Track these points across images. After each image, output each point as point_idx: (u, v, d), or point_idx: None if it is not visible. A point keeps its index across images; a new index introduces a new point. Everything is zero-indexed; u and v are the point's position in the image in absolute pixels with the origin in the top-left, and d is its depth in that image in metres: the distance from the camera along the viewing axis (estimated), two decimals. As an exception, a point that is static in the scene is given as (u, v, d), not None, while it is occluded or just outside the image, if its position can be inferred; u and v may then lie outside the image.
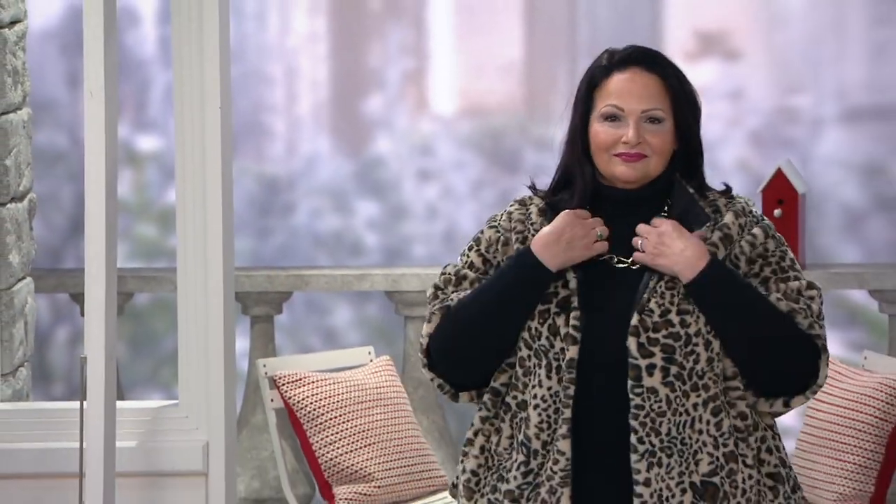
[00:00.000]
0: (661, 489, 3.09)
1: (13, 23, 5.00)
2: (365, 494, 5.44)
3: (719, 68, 6.48)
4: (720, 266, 3.13)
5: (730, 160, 6.53)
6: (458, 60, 6.65)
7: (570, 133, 3.24)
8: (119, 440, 4.42)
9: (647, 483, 3.08)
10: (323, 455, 5.43)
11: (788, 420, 6.36)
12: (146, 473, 4.56)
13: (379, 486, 5.41)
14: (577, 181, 3.22)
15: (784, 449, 3.17)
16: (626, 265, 3.18)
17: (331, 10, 6.67)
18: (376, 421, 5.46)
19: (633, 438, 3.09)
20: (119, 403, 4.50)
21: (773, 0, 6.51)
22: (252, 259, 6.71)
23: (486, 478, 3.20)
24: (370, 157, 6.74)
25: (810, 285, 3.20)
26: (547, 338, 3.14)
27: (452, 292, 3.26)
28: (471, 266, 3.26)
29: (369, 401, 5.48)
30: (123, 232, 6.72)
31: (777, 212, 5.89)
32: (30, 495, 4.58)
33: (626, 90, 3.18)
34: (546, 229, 3.15)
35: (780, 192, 5.90)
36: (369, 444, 5.43)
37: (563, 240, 3.14)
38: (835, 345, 6.16)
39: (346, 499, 5.42)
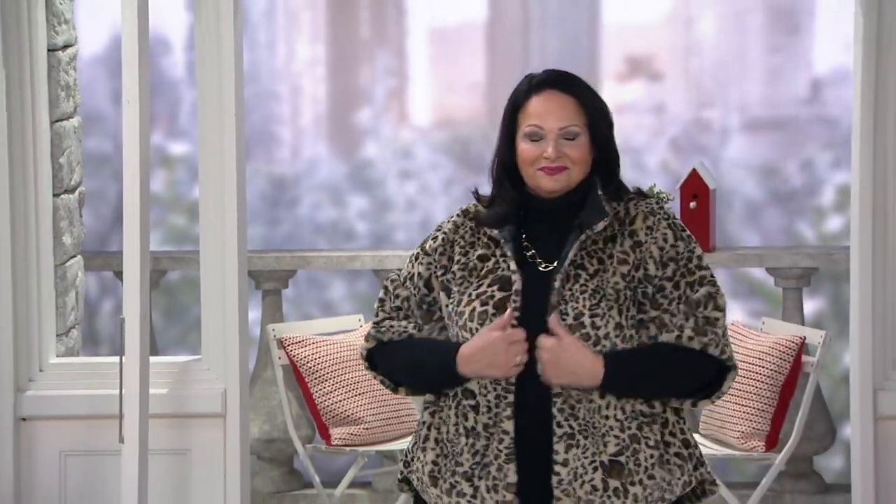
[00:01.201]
0: (576, 468, 2.97)
1: (66, 46, 4.99)
2: (355, 434, 5.44)
3: (645, 87, 6.49)
4: (616, 360, 2.97)
5: (654, 162, 6.54)
6: (432, 81, 6.65)
7: (497, 151, 3.11)
8: (152, 388, 4.41)
9: (564, 463, 2.97)
10: (321, 403, 5.43)
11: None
12: (174, 415, 4.55)
13: (367, 428, 5.41)
14: (504, 194, 3.08)
15: (689, 431, 3.07)
16: (549, 268, 3.03)
17: (328, 40, 6.67)
18: (364, 375, 5.44)
19: (553, 423, 2.98)
20: (152, 358, 4.49)
21: (688, 31, 6.52)
22: (263, 243, 6.71)
23: (444, 465, 3.05)
24: (361, 160, 6.74)
25: (710, 296, 3.03)
26: None
27: (395, 292, 3.15)
28: (412, 278, 3.14)
29: (359, 359, 5.46)
30: (158, 221, 6.71)
31: (692, 204, 5.87)
32: (79, 433, 4.57)
33: (543, 111, 3.05)
34: (474, 344, 2.97)
35: (694, 188, 5.90)
36: (359, 394, 5.43)
37: (483, 361, 2.95)
38: (739, 313, 6.20)
39: (340, 438, 5.42)
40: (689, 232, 3.10)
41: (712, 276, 3.08)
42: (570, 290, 3.00)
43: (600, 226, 3.02)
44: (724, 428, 5.36)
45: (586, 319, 2.97)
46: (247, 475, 4.61)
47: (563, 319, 2.98)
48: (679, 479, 3.05)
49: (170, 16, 6.69)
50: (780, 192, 6.62)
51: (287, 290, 6.09)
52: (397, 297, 3.16)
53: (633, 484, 2.98)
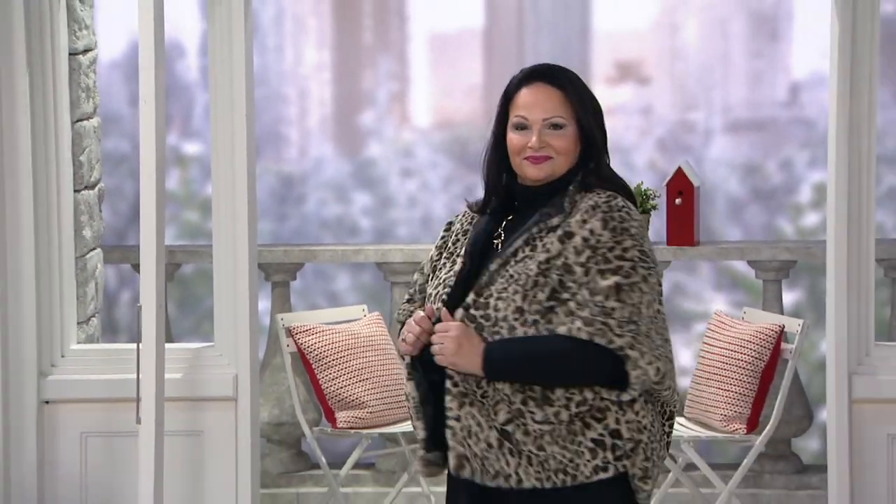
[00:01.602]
0: (469, 425, 2.97)
1: (86, 51, 4.99)
2: (360, 418, 5.43)
3: (633, 91, 6.49)
4: (498, 350, 2.95)
5: (642, 161, 6.54)
6: (432, 84, 6.64)
7: (490, 141, 3.09)
8: (167, 373, 4.40)
9: (457, 419, 2.97)
10: (327, 388, 5.43)
11: (684, 360, 6.39)
12: (188, 398, 4.55)
13: (371, 412, 5.40)
14: (492, 183, 3.07)
15: (634, 425, 2.96)
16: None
17: (334, 45, 6.67)
18: (369, 362, 5.45)
19: (448, 384, 2.98)
20: (167, 345, 4.48)
21: (674, 38, 6.51)
22: (272, 238, 6.71)
23: None
24: (364, 159, 6.73)
25: (616, 287, 2.92)
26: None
27: (415, 277, 3.19)
28: (426, 264, 3.17)
29: (363, 346, 5.47)
30: (173, 217, 6.70)
31: (678, 200, 5.86)
32: (99, 415, 4.57)
33: (530, 102, 3.02)
34: None
35: (680, 185, 5.89)
36: (363, 380, 5.42)
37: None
38: (722, 303, 6.19)
39: (345, 421, 5.42)
40: (630, 226, 2.97)
41: (634, 268, 2.94)
42: (500, 274, 2.98)
43: (555, 221, 2.98)
44: (707, 412, 5.36)
45: (492, 301, 2.96)
46: (257, 456, 4.61)
47: (479, 296, 2.97)
48: (589, 462, 2.97)
49: (184, 22, 6.68)
50: (761, 190, 6.63)
51: (295, 282, 6.08)
52: (415, 282, 3.21)
53: (521, 452, 2.97)
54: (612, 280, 2.92)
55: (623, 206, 2.99)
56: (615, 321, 2.91)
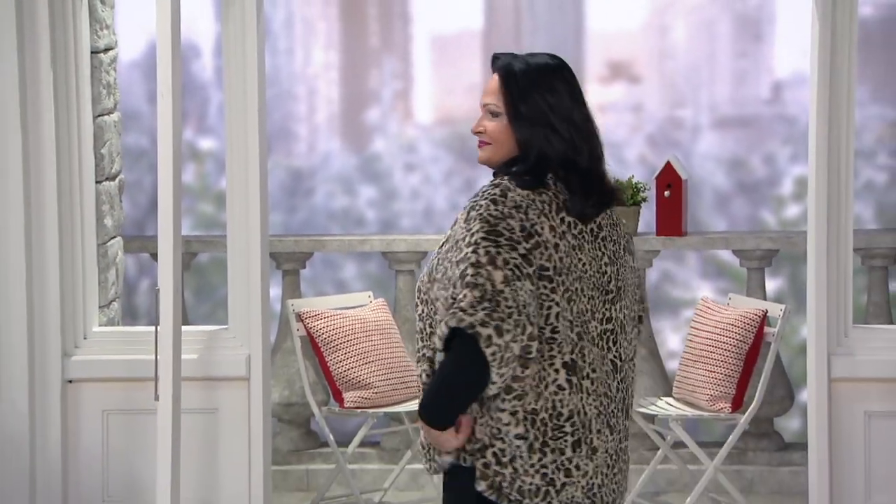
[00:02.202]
0: (421, 374, 2.90)
1: (107, 49, 4.99)
2: (366, 398, 5.44)
3: (625, 89, 6.49)
4: (423, 406, 2.85)
5: (633, 156, 6.54)
6: (434, 83, 6.64)
7: None
8: (184, 354, 4.40)
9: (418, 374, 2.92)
10: (335, 370, 5.43)
11: (672, 344, 6.39)
12: (204, 378, 4.55)
13: (376, 392, 5.40)
14: None
15: (480, 424, 2.83)
16: None
17: (340, 47, 6.67)
18: (374, 345, 5.45)
19: (417, 345, 2.93)
20: (184, 327, 4.48)
21: (663, 38, 6.51)
22: (283, 228, 6.70)
23: None
24: (370, 154, 6.73)
25: (462, 275, 2.77)
26: None
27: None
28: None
29: (369, 331, 5.47)
30: (189, 209, 6.71)
31: (666, 193, 5.85)
32: (119, 394, 4.58)
33: (485, 86, 2.94)
34: None
35: (669, 178, 5.88)
36: (369, 362, 5.43)
37: None
38: (708, 290, 6.19)
39: (352, 401, 5.42)
40: (484, 214, 2.79)
41: (475, 252, 2.77)
42: (444, 255, 2.89)
43: (461, 216, 2.88)
44: (694, 392, 5.37)
45: (433, 284, 2.89)
46: (269, 431, 4.61)
47: (428, 276, 2.89)
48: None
49: (199, 25, 6.68)
50: (745, 183, 6.63)
51: (304, 270, 6.08)
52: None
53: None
54: (461, 269, 2.79)
55: (487, 190, 2.83)
56: (459, 305, 2.75)
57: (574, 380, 2.80)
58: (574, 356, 2.81)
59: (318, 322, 5.47)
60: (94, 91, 4.81)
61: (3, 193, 4.46)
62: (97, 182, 4.84)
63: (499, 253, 2.77)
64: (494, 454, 2.84)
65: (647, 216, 5.86)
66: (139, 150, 6.37)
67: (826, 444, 4.43)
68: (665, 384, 5.78)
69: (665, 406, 5.42)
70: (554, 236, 2.81)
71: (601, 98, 6.30)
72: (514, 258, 2.77)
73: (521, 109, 2.86)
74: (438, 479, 5.76)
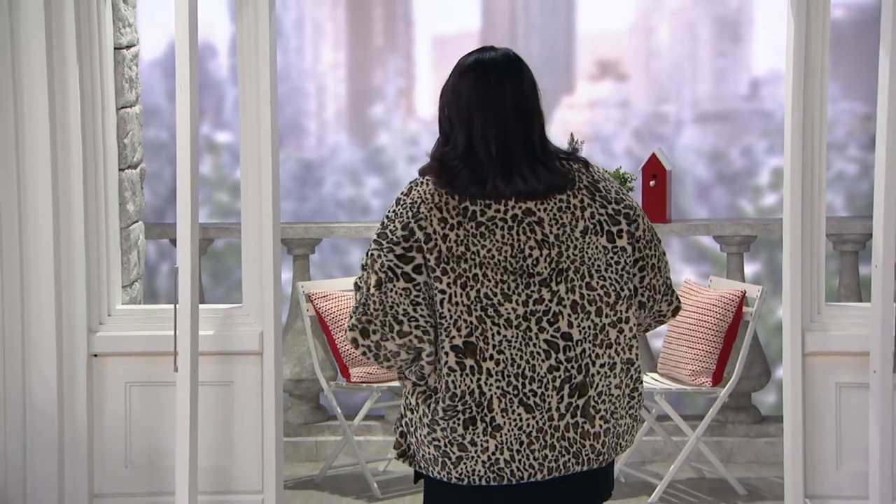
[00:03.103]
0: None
1: (129, 46, 5.00)
2: (371, 373, 5.44)
3: (613, 86, 6.47)
4: None
5: (620, 148, 6.53)
6: (435, 81, 6.63)
7: None
8: (201, 330, 4.43)
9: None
10: (343, 347, 5.44)
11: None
12: (220, 353, 4.56)
13: (380, 368, 5.41)
14: None
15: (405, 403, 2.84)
16: None
17: (348, 46, 6.65)
18: (378, 324, 5.46)
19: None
20: (201, 305, 4.49)
21: (648, 39, 6.50)
22: (294, 216, 6.70)
23: None
24: (375, 147, 6.72)
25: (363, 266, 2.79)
26: None
27: None
28: None
29: (374, 311, 5.48)
30: (206, 198, 6.70)
31: (652, 183, 5.86)
32: (141, 367, 4.59)
33: None
34: None
35: (654, 169, 5.89)
36: (374, 341, 5.43)
37: None
38: (691, 274, 6.18)
39: (358, 376, 5.43)
40: (384, 216, 2.79)
41: (366, 254, 2.79)
42: None
43: None
44: (677, 368, 5.37)
45: None
46: (280, 401, 4.61)
47: None
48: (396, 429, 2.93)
49: (216, 26, 6.68)
50: (725, 174, 6.62)
51: (314, 255, 6.08)
52: None
53: None
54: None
55: (400, 192, 2.81)
56: (354, 304, 2.79)
57: (468, 362, 2.72)
58: (472, 339, 2.72)
59: (327, 303, 5.47)
60: (117, 85, 4.81)
61: (32, 180, 4.46)
62: (120, 170, 4.84)
63: (379, 256, 2.75)
64: (405, 423, 2.84)
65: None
66: (159, 144, 6.36)
67: (800, 412, 4.44)
68: (650, 361, 5.79)
69: (651, 381, 5.42)
70: (444, 228, 2.72)
71: (591, 95, 6.28)
72: (390, 260, 2.73)
73: (438, 106, 2.83)
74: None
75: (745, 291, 5.32)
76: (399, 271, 2.73)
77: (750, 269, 6.07)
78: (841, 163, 6.57)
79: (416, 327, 2.72)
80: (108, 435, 4.59)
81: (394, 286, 2.72)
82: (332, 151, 6.67)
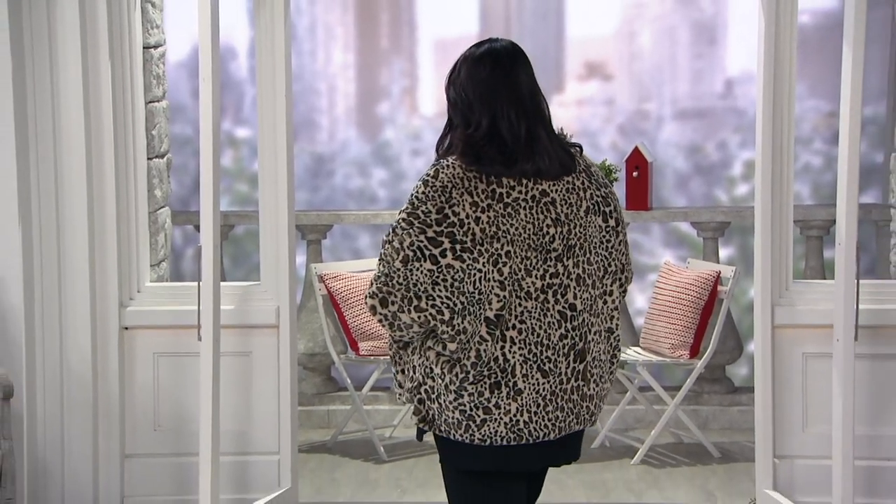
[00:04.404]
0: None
1: (156, 45, 5.00)
2: (378, 347, 5.45)
3: (599, 86, 6.48)
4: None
5: (606, 143, 6.53)
6: (436, 80, 6.64)
7: None
8: (222, 304, 4.43)
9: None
10: (352, 323, 5.44)
11: (639, 303, 6.40)
12: (239, 326, 4.57)
13: (387, 342, 5.42)
14: None
15: (412, 366, 2.81)
16: None
17: (356, 49, 6.65)
18: (385, 302, 5.46)
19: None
20: (222, 283, 4.49)
21: (632, 43, 6.51)
22: (307, 205, 6.70)
23: None
24: (381, 141, 6.72)
25: (381, 246, 2.78)
26: None
27: None
28: None
29: (380, 291, 5.48)
30: (226, 189, 6.71)
31: (635, 174, 5.87)
32: (168, 339, 4.59)
33: None
34: None
35: (637, 161, 5.89)
36: (380, 318, 5.44)
37: None
38: (670, 257, 6.18)
39: (366, 350, 5.43)
40: (413, 196, 2.74)
41: (393, 231, 2.74)
42: None
43: None
44: (658, 341, 5.38)
45: None
46: (295, 370, 4.62)
47: None
48: (401, 394, 2.92)
49: (236, 31, 6.68)
50: (702, 166, 6.63)
51: (326, 240, 6.09)
52: None
53: None
54: (383, 241, 2.80)
55: (427, 170, 2.76)
56: (374, 274, 2.76)
57: (497, 332, 2.73)
58: (502, 311, 2.72)
59: (338, 283, 5.48)
60: (145, 80, 4.81)
61: (68, 167, 4.46)
62: (148, 159, 4.84)
63: (408, 235, 2.70)
64: (426, 391, 2.81)
65: (618, 194, 5.86)
66: (184, 138, 6.36)
67: (770, 378, 4.45)
68: (633, 336, 5.80)
69: (633, 354, 5.43)
70: (475, 211, 2.70)
71: (579, 94, 6.29)
72: (421, 241, 2.70)
73: (449, 95, 2.81)
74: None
75: (720, 272, 5.33)
76: (427, 253, 2.70)
77: (724, 252, 6.08)
78: (807, 155, 6.58)
79: (432, 306, 2.70)
80: (138, 401, 4.60)
81: (420, 266, 2.70)
82: (342, 145, 6.68)
